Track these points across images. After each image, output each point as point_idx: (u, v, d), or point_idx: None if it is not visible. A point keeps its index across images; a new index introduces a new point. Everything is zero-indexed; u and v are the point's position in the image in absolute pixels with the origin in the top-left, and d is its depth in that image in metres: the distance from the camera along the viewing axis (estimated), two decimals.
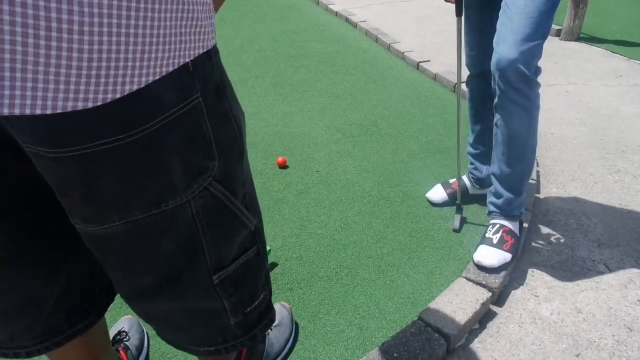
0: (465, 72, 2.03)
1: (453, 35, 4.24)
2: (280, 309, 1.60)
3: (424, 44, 4.15)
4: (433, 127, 2.92)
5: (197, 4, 0.62)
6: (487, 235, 1.84)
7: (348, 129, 2.89)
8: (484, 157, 2.11)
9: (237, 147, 0.74)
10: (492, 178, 1.83)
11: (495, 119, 1.71)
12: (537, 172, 2.46)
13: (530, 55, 1.54)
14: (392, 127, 2.91)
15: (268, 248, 1.92)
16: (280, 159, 2.52)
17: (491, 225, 1.87)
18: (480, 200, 2.21)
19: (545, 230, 2.10)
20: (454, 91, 3.40)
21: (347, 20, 4.81)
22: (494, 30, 1.65)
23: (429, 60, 3.79)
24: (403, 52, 3.95)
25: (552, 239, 2.04)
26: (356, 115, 3.05)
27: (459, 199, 2.08)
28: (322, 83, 3.49)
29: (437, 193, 2.21)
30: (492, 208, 1.88)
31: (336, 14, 4.98)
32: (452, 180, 2.25)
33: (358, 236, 2.04)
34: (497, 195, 1.83)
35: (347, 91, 3.37)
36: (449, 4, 1.73)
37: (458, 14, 1.80)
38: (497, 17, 1.64)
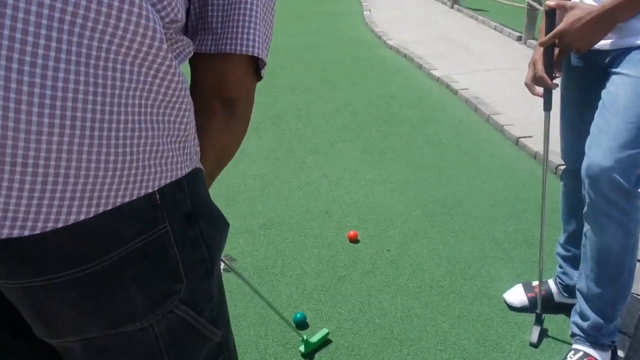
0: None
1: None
2: None
3: (527, 118, 3.90)
4: (525, 214, 2.67)
5: (162, 136, 0.61)
6: None
7: (429, 205, 2.76)
8: (575, 261, 1.85)
9: (205, 267, 0.71)
10: (578, 295, 1.59)
11: (584, 229, 1.50)
12: None
13: (629, 162, 1.34)
14: (478, 209, 2.72)
15: (326, 331, 1.84)
16: (352, 232, 2.46)
17: (573, 352, 1.61)
18: (568, 311, 1.93)
19: None
20: (555, 173, 3.11)
21: (447, 87, 4.71)
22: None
23: (531, 136, 3.53)
24: (502, 125, 3.74)
25: None
26: (441, 192, 2.90)
27: (539, 308, 1.83)
28: (411, 153, 3.41)
29: (517, 295, 1.98)
30: (575, 330, 1.62)
31: (437, 79, 4.91)
32: (535, 283, 2.00)
33: (418, 333, 1.88)
34: (583, 316, 1.58)
35: (436, 163, 3.25)
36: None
37: (546, 108, 1.65)
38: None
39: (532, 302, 1.93)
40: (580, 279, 1.56)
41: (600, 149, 1.37)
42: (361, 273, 2.22)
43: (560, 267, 1.92)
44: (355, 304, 2.04)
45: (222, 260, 1.16)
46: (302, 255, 2.36)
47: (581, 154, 1.56)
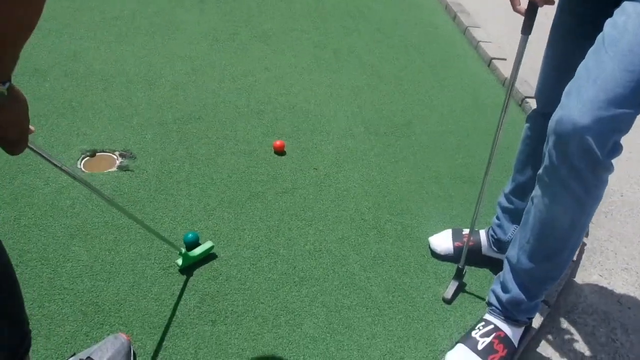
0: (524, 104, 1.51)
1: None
2: (112, 341, 1.27)
3: (508, 36, 3.47)
4: (478, 147, 2.39)
5: None
6: (472, 333, 1.40)
7: (375, 122, 2.42)
8: (515, 215, 1.62)
9: None
10: (505, 263, 1.36)
11: (533, 192, 1.22)
12: (582, 246, 1.93)
13: (610, 126, 1.02)
14: (427, 134, 2.41)
15: (210, 244, 1.60)
16: (278, 142, 2.12)
17: (483, 323, 1.42)
18: (494, 267, 1.74)
19: (561, 334, 1.62)
20: (520, 106, 2.80)
21: None
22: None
23: (505, 59, 3.15)
24: (478, 41, 3.31)
25: (566, 349, 1.57)
26: (392, 108, 2.55)
27: (462, 261, 1.62)
28: (370, 56, 2.98)
29: (443, 241, 1.76)
30: (492, 300, 1.42)
31: None
32: (465, 231, 1.78)
33: (324, 272, 1.65)
34: (505, 288, 1.36)
35: (394, 73, 2.85)
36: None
37: (524, 31, 1.27)
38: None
39: (458, 252, 1.72)
40: (513, 246, 1.32)
41: (581, 99, 1.03)
42: (278, 192, 1.93)
43: (497, 218, 1.68)
44: (262, 228, 1.77)
45: (31, 147, 0.86)
46: (215, 161, 2.02)
47: (558, 98, 1.23)
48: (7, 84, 0.66)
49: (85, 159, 1.95)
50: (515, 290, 1.32)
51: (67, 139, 2.00)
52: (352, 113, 2.46)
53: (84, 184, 1.14)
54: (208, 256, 1.62)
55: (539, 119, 1.47)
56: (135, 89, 2.34)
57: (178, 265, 1.55)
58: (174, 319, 1.43)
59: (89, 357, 1.23)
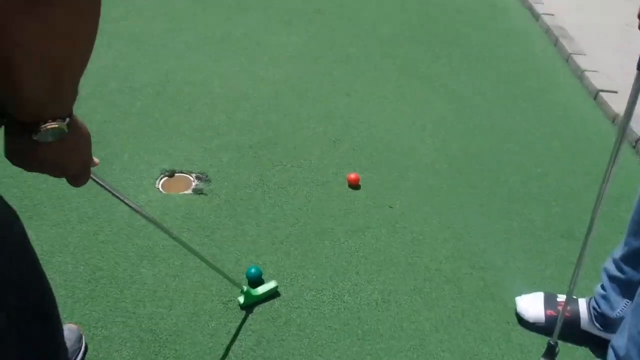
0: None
1: None
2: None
3: (619, 65, 3.11)
4: (578, 195, 2.12)
5: None
6: None
7: (460, 157, 2.24)
8: (627, 287, 1.37)
9: None
10: (610, 352, 1.14)
11: None
12: None
13: None
14: (519, 176, 2.18)
15: (274, 284, 1.54)
16: (352, 175, 2.02)
17: None
18: (596, 347, 1.49)
19: None
20: (634, 147, 2.47)
21: (530, 9, 3.85)
22: None
23: (615, 92, 2.81)
24: (583, 70, 3.00)
25: None
26: (480, 141, 2.35)
27: (556, 335, 1.39)
28: (460, 85, 2.79)
29: (533, 306, 1.54)
30: None
31: None
32: (561, 298, 1.55)
33: (390, 328, 1.50)
34: None
35: (485, 104, 2.64)
36: None
37: None
38: None
39: (550, 322, 1.50)
40: (621, 334, 1.10)
41: None
42: (349, 230, 1.82)
43: (603, 287, 1.44)
44: (328, 269, 1.67)
45: (94, 179, 0.87)
46: (287, 190, 1.97)
47: None
48: (68, 120, 0.64)
49: (164, 178, 1.98)
50: None
51: (150, 157, 2.05)
52: (435, 147, 2.30)
53: (144, 217, 1.12)
54: (269, 295, 1.55)
55: None
56: (218, 111, 2.37)
57: (239, 302, 1.49)
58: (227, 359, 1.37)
59: None
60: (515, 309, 1.56)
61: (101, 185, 0.95)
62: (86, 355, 1.34)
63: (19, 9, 0.49)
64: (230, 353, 1.38)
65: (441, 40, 3.27)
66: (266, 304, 1.53)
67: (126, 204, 1.04)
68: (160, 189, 1.93)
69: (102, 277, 1.55)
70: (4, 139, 0.64)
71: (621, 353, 1.09)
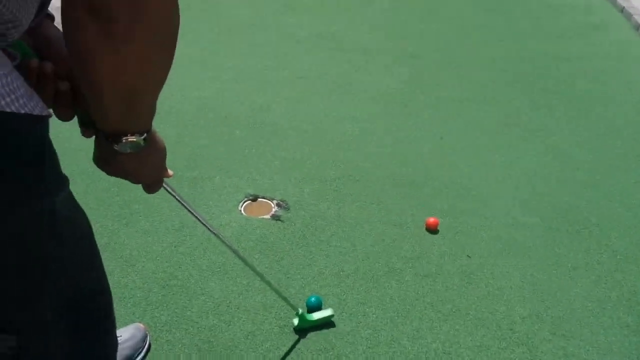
0: None
1: None
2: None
3: None
4: None
5: None
6: None
7: (551, 215, 2.06)
8: None
9: None
10: None
11: None
12: None
13: None
14: (622, 241, 1.94)
15: (330, 312, 1.53)
16: (432, 219, 1.96)
17: None
18: None
19: None
20: None
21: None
22: None
23: None
24: None
25: None
26: (576, 200, 2.15)
27: None
28: (559, 137, 2.60)
29: None
30: None
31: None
32: None
33: None
34: None
35: (586, 159, 2.43)
36: None
37: None
38: None
39: None
40: None
41: None
42: (419, 274, 1.75)
43: None
44: (390, 310, 1.61)
45: (166, 188, 0.96)
46: (362, 227, 1.96)
47: None
48: (145, 135, 0.72)
49: (247, 202, 2.09)
50: None
51: (238, 182, 2.19)
52: (521, 199, 2.14)
53: (207, 228, 1.19)
54: (325, 324, 1.54)
55: None
56: (304, 144, 2.47)
57: (293, 324, 1.50)
58: None
59: None
60: None
61: (172, 195, 1.03)
62: (148, 355, 1.42)
63: (100, 44, 0.57)
64: None
65: (543, 87, 3.10)
66: (321, 334, 1.51)
67: (192, 213, 1.12)
68: (242, 211, 2.04)
69: (175, 285, 1.66)
70: (94, 147, 0.76)
71: None
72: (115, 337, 1.15)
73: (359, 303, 1.63)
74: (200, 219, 1.16)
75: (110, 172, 0.77)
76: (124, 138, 0.69)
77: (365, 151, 2.44)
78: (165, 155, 0.83)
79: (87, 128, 0.79)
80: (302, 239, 1.89)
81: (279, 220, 1.98)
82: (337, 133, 2.58)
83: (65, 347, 0.77)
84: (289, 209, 2.05)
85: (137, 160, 0.75)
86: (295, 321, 1.49)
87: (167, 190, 1.00)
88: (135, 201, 2.01)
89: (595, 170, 2.36)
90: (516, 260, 1.82)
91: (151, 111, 0.71)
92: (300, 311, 1.47)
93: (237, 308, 1.59)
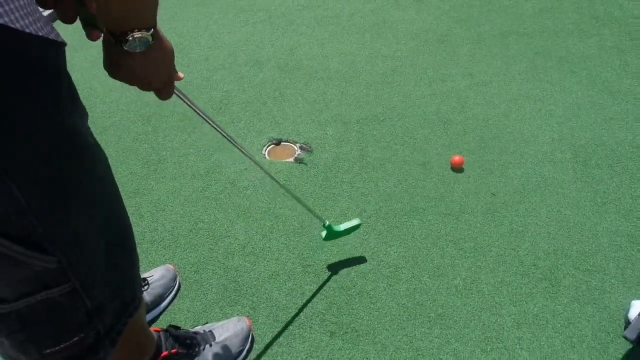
0: None
1: None
2: (235, 322, 1.36)
3: None
4: None
5: None
6: None
7: (588, 150, 1.98)
8: None
9: None
10: None
11: None
12: None
13: None
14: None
15: (357, 222, 1.55)
16: (456, 157, 1.92)
17: None
18: None
19: None
20: None
21: None
22: None
23: None
24: None
25: None
26: (618, 133, 2.04)
27: None
28: (608, 68, 2.44)
29: None
30: None
31: None
32: None
33: (466, 315, 1.42)
34: None
35: (634, 91, 2.27)
36: None
37: None
38: None
39: None
40: None
41: None
42: (441, 213, 1.75)
43: None
44: (411, 248, 1.63)
45: (177, 94, 0.92)
46: (385, 167, 1.95)
47: None
48: (152, 30, 0.70)
49: (271, 146, 2.11)
50: None
51: (262, 126, 2.19)
52: (559, 135, 2.06)
53: (239, 147, 1.15)
54: (347, 265, 1.57)
55: None
56: (332, 86, 2.42)
57: (322, 236, 1.53)
58: (297, 318, 1.43)
59: (210, 331, 1.32)
60: (625, 316, 1.35)
61: (184, 100, 0.97)
62: (178, 294, 1.51)
63: None
64: (300, 313, 1.45)
65: (594, 16, 2.87)
66: (343, 272, 1.56)
67: (204, 119, 1.05)
68: (266, 155, 2.06)
69: (202, 228, 1.72)
70: (103, 53, 0.74)
71: None
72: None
73: (381, 242, 1.65)
74: (213, 125, 1.10)
75: (120, 77, 0.76)
76: (131, 35, 0.68)
77: (395, 90, 2.38)
78: (173, 55, 0.81)
79: (92, 29, 0.79)
80: (325, 180, 1.90)
81: (302, 163, 2.00)
82: (367, 73, 2.51)
83: (102, 268, 0.80)
84: (312, 152, 2.05)
85: (146, 61, 0.73)
86: (323, 233, 1.52)
87: (178, 95, 0.94)
88: (162, 148, 2.06)
89: None
90: (543, 197, 1.78)
91: (154, 3, 0.70)
92: (327, 222, 1.49)
93: (262, 249, 1.64)
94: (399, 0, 3.14)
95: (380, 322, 1.41)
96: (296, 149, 2.09)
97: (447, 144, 2.04)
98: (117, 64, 0.73)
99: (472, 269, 1.55)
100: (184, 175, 1.93)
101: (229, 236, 1.69)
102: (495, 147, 2.02)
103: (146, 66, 0.75)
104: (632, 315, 1.33)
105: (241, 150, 1.16)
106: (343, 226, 1.53)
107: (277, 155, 2.06)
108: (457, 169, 1.92)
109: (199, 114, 1.04)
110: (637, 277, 1.50)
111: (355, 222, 1.54)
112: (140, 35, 0.69)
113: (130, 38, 0.68)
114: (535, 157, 1.95)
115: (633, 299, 1.37)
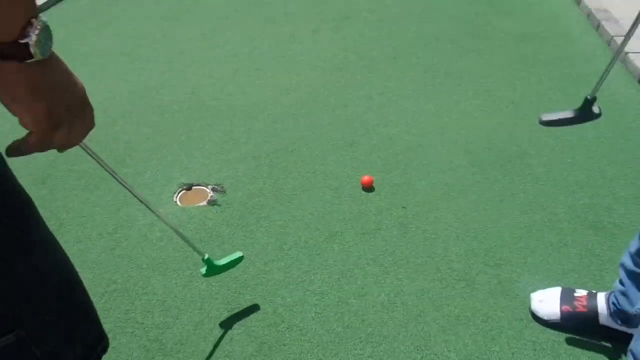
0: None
1: None
2: None
3: None
4: (611, 184, 1.95)
5: None
6: None
7: (483, 154, 2.14)
8: None
9: None
10: (630, 358, 1.02)
11: None
12: None
13: None
14: (546, 167, 2.05)
15: (239, 254, 1.50)
16: (365, 178, 1.99)
17: None
18: (617, 342, 1.36)
19: None
20: None
21: None
22: None
23: None
24: (626, 53, 2.77)
25: None
26: (505, 137, 2.24)
27: (560, 320, 1.28)
28: (488, 79, 2.68)
29: (548, 302, 1.43)
30: None
31: None
32: (580, 292, 1.43)
33: (395, 330, 1.45)
34: None
35: (514, 97, 2.52)
36: None
37: None
38: None
39: (565, 319, 1.39)
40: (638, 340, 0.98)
41: None
42: (358, 233, 1.79)
43: (621, 283, 1.31)
44: (334, 273, 1.65)
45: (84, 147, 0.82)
46: (299, 197, 1.97)
47: None
48: (38, 29, 0.52)
49: (182, 192, 2.05)
50: None
51: (170, 172, 2.14)
52: (455, 144, 2.21)
53: (135, 196, 1.11)
54: (273, 301, 1.55)
55: None
56: (238, 123, 2.43)
57: (202, 273, 1.42)
58: None
59: None
60: (530, 307, 1.46)
61: (87, 151, 0.87)
62: None
63: None
64: None
65: (470, 33, 3.16)
66: (269, 310, 1.53)
67: (113, 176, 1.00)
68: (178, 202, 2.00)
69: (116, 290, 1.62)
70: None
71: None
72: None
73: (304, 272, 1.65)
74: (120, 181, 1.04)
75: (16, 105, 0.56)
76: (31, 29, 0.52)
77: (301, 121, 2.43)
78: (70, 78, 0.60)
79: None
80: (241, 219, 1.88)
81: (216, 204, 1.96)
82: (272, 107, 2.54)
83: (52, 314, 0.74)
84: (225, 192, 2.02)
85: (54, 71, 0.56)
86: (203, 269, 1.41)
87: (83, 148, 0.83)
88: (62, 211, 1.93)
89: (522, 106, 2.45)
90: (449, 204, 1.89)
91: (12, 17, 0.52)
92: (207, 256, 1.39)
93: (183, 301, 1.58)
94: (294, 35, 3.25)
95: (313, 352, 1.40)
96: (208, 191, 2.05)
97: (356, 166, 2.12)
98: (12, 86, 0.54)
99: (394, 282, 1.59)
100: (89, 237, 1.82)
101: (146, 293, 1.61)
102: (400, 163, 2.12)
103: (59, 79, 0.57)
104: (535, 307, 1.43)
105: (140, 200, 1.13)
106: (224, 260, 1.47)
107: (189, 201, 2.01)
108: (368, 188, 1.99)
109: (102, 165, 0.95)
110: (538, 263, 1.63)
111: (237, 254, 1.50)
112: (40, 26, 0.52)
113: (34, 35, 0.51)
114: (437, 167, 2.08)
115: (531, 293, 1.48)
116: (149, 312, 1.54)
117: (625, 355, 1.17)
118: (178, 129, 2.41)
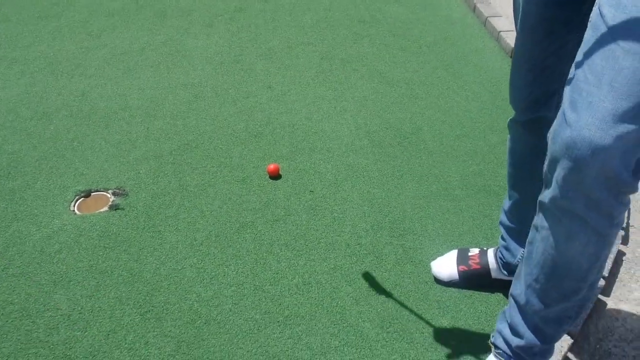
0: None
1: None
2: None
3: None
4: (494, 150, 2.16)
5: None
6: None
7: (380, 133, 2.25)
8: (520, 235, 1.39)
9: None
10: (511, 300, 1.15)
11: (536, 221, 0.99)
12: (620, 256, 1.65)
13: (637, 140, 0.79)
14: (438, 141, 2.21)
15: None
16: (271, 166, 2.01)
17: None
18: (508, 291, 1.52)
19: None
20: None
21: None
22: (564, 64, 0.94)
23: None
24: (499, 32, 3.05)
25: None
26: (400, 115, 2.37)
27: (459, 280, 1.41)
28: (381, 62, 2.81)
29: (446, 266, 1.56)
30: (499, 342, 1.21)
31: None
32: (473, 251, 1.57)
33: (311, 308, 1.50)
34: (514, 331, 1.14)
35: (405, 77, 2.67)
36: None
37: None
38: (575, 44, 0.89)
39: (463, 277, 1.52)
40: (518, 282, 1.10)
41: (596, 112, 0.78)
42: (269, 220, 1.81)
43: (503, 239, 1.46)
44: (248, 262, 1.65)
45: None
46: (206, 192, 1.94)
47: (537, 102, 1.05)
48: None
49: (80, 200, 1.93)
50: (527, 335, 1.10)
51: (64, 181, 2.00)
52: (356, 126, 2.30)
53: None
54: (188, 298, 1.53)
55: (518, 128, 1.26)
56: (135, 123, 2.33)
57: None
58: None
59: None
60: (432, 271, 1.58)
61: None
62: None
63: None
64: None
65: (361, 20, 3.28)
66: (185, 307, 1.51)
67: None
68: (76, 211, 1.88)
69: (13, 311, 1.50)
70: None
71: (521, 301, 1.09)
72: None
73: (218, 265, 1.64)
74: None
75: None
76: None
77: (202, 115, 2.38)
78: None
79: None
80: (148, 220, 1.82)
81: (119, 208, 1.88)
82: (170, 104, 2.46)
83: None
84: (127, 195, 1.94)
85: None
86: None
87: None
88: None
89: (413, 86, 2.60)
90: (354, 183, 1.97)
91: None
92: None
93: (91, 311, 1.50)
94: (188, 29, 3.16)
95: (233, 342, 1.41)
96: (109, 196, 1.95)
97: (262, 156, 2.13)
98: None
99: (308, 264, 1.64)
100: None
101: (48, 310, 1.50)
102: (304, 148, 2.17)
103: None
104: (435, 273, 1.56)
105: None
106: None
107: (89, 208, 1.90)
108: (275, 176, 2.01)
109: None
110: (437, 229, 1.76)
111: None
112: None
113: None
114: (340, 150, 2.15)
115: (433, 255, 1.61)
116: (53, 328, 1.45)
117: None
118: (69, 134, 2.26)
